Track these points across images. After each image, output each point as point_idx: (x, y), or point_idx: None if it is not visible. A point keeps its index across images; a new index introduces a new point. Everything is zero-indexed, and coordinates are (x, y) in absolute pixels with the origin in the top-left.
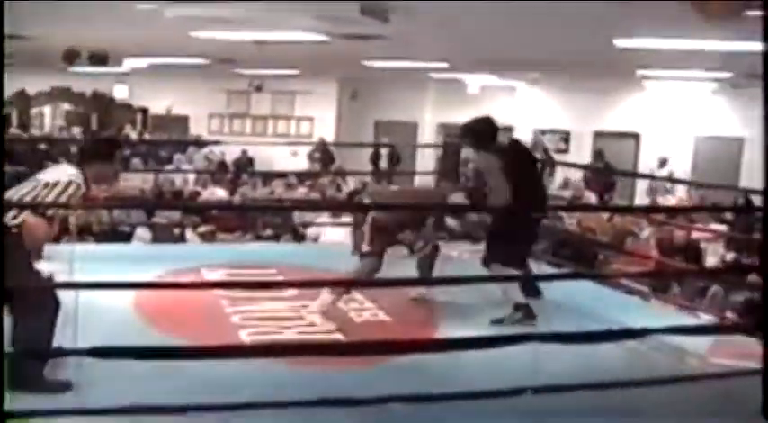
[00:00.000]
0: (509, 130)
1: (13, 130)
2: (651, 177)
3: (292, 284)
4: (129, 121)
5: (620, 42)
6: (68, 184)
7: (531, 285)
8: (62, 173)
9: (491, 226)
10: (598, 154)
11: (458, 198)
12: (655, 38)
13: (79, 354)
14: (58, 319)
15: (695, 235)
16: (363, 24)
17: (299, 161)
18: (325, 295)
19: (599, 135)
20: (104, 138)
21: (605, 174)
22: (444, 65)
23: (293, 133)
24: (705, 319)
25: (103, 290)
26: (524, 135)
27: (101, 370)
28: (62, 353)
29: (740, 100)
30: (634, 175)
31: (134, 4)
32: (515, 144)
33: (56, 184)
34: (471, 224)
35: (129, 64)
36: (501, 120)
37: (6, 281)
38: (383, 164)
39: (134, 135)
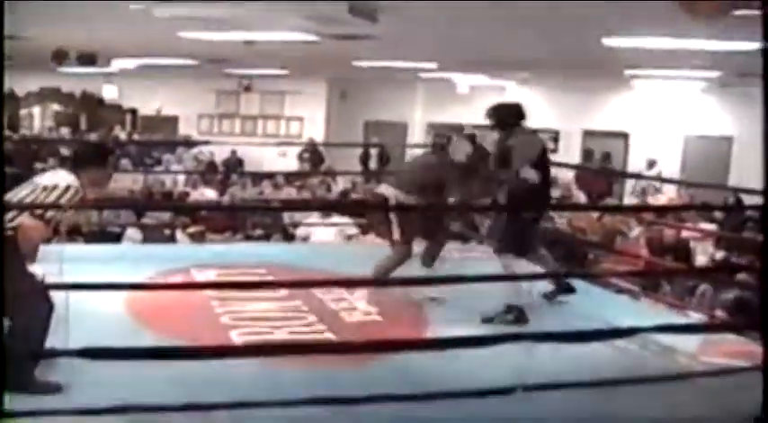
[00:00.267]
0: None
1: None
2: (641, 177)
3: (282, 284)
4: (119, 121)
5: (609, 42)
6: (67, 188)
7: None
8: (60, 177)
9: (509, 214)
10: (588, 153)
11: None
12: (643, 37)
13: (70, 355)
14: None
15: (685, 234)
16: (352, 24)
17: (288, 161)
18: None
19: (588, 134)
20: (98, 143)
21: (600, 174)
22: (433, 65)
23: (283, 133)
24: (695, 317)
25: (95, 291)
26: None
27: (91, 371)
28: (53, 354)
29: (729, 99)
30: (623, 174)
31: (125, 5)
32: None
33: (54, 188)
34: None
35: (117, 64)
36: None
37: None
38: (373, 164)
39: (123, 136)
